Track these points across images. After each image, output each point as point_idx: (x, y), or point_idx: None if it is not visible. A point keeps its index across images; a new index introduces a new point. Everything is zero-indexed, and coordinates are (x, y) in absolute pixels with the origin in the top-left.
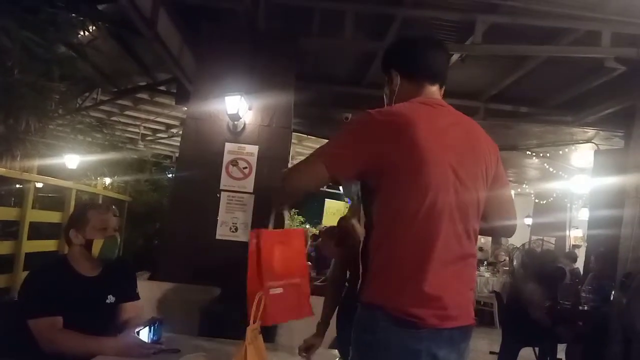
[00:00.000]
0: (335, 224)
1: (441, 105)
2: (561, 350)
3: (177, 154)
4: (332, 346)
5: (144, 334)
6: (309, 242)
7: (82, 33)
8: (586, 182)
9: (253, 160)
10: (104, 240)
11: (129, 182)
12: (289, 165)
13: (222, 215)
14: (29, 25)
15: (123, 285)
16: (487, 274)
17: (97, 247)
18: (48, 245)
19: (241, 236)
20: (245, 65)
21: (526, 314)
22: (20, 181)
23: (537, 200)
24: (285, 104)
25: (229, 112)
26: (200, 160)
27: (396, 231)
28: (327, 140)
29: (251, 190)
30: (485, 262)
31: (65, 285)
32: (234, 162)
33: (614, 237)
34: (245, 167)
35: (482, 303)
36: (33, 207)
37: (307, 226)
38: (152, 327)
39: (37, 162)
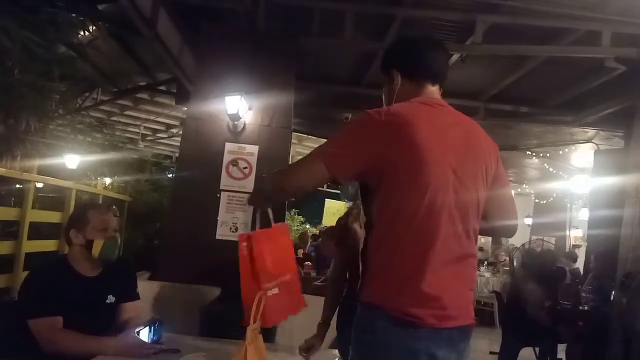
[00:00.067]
0: (335, 224)
1: (441, 105)
2: (561, 350)
3: (177, 154)
4: (332, 346)
5: (144, 334)
6: (309, 242)
7: (82, 33)
8: (586, 182)
9: (253, 160)
10: (104, 240)
11: (129, 182)
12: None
13: (222, 215)
14: (29, 25)
15: (123, 285)
16: (487, 274)
17: (97, 247)
18: (48, 245)
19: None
20: (245, 65)
21: (526, 314)
22: (20, 181)
23: (537, 200)
24: (285, 104)
25: (229, 112)
26: (201, 160)
27: (396, 231)
28: (326, 140)
29: (251, 190)
30: (485, 262)
31: (65, 285)
32: (234, 162)
33: (614, 237)
34: (246, 167)
35: (482, 303)
36: (33, 207)
37: (307, 226)
38: (152, 327)
39: (37, 162)
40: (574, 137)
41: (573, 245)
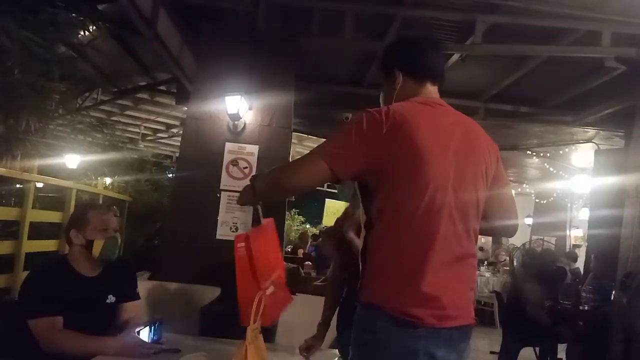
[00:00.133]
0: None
1: (440, 104)
2: (561, 350)
3: (177, 154)
4: (332, 346)
5: (145, 334)
6: (309, 242)
7: (82, 33)
8: (586, 182)
9: (253, 160)
10: (104, 240)
11: (129, 182)
12: None
13: (222, 215)
14: (29, 25)
15: (123, 285)
16: (487, 274)
17: (97, 247)
18: (48, 245)
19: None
20: (246, 65)
21: (527, 314)
22: (20, 181)
23: (537, 200)
24: (286, 103)
25: (229, 112)
26: (201, 160)
27: (395, 231)
28: (326, 139)
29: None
30: (485, 262)
31: (65, 286)
32: (234, 162)
33: (615, 236)
34: (246, 167)
35: (482, 303)
36: (33, 207)
37: (307, 226)
38: (152, 327)
39: (37, 162)
40: (574, 137)
41: (573, 245)
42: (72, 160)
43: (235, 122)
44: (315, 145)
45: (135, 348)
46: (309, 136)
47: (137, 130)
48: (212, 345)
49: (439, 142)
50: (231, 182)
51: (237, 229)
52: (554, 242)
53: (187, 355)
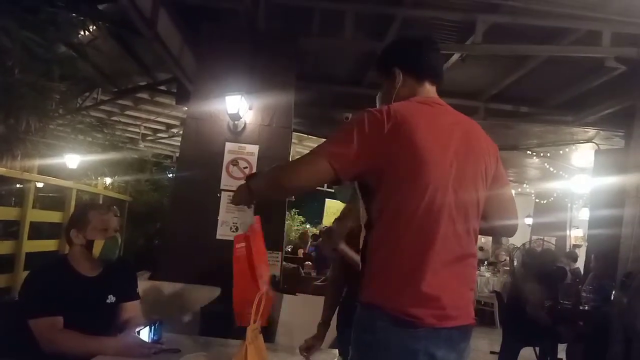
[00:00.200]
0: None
1: (440, 104)
2: (562, 350)
3: (177, 154)
4: (332, 346)
5: (145, 334)
6: (309, 242)
7: (82, 33)
8: (587, 182)
9: (253, 160)
10: (104, 240)
11: (129, 182)
12: None
13: (222, 215)
14: (29, 25)
15: (123, 285)
16: (487, 274)
17: (97, 247)
18: (48, 245)
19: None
20: (246, 65)
21: (527, 314)
22: (20, 181)
23: (537, 200)
24: (286, 103)
25: (229, 112)
26: (201, 160)
27: (396, 231)
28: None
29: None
30: (485, 262)
31: (65, 285)
32: (235, 162)
33: (615, 236)
34: (246, 167)
35: (482, 303)
36: (33, 207)
37: (308, 226)
38: (152, 327)
39: (37, 162)
40: (574, 136)
41: (573, 245)
42: (72, 160)
43: (236, 122)
44: (315, 145)
45: (135, 348)
46: (309, 136)
47: (137, 130)
48: (212, 345)
49: (439, 142)
50: (231, 182)
51: (237, 229)
52: (554, 242)
53: (187, 355)
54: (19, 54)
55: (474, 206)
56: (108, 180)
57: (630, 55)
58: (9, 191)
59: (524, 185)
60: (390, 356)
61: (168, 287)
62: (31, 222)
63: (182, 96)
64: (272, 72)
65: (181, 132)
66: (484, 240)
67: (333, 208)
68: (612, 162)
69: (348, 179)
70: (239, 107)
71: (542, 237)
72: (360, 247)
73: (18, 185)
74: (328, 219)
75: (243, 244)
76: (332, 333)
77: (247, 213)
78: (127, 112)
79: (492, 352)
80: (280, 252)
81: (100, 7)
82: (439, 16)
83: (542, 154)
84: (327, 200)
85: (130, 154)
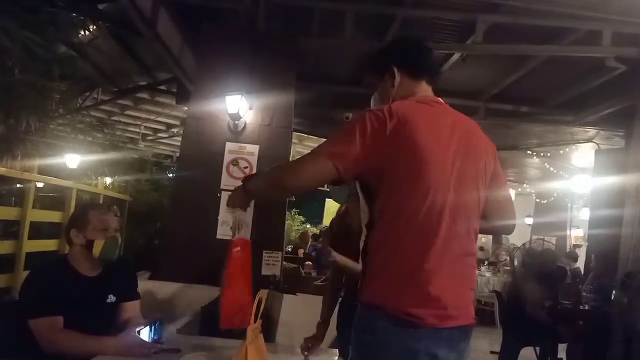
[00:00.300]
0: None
1: (438, 103)
2: (562, 349)
3: (177, 154)
4: (332, 346)
5: (145, 334)
6: (309, 242)
7: (82, 32)
8: (587, 182)
9: (254, 160)
10: (104, 240)
11: (129, 182)
12: None
13: (222, 215)
14: (29, 25)
15: (124, 285)
16: (487, 274)
17: (98, 247)
18: (48, 245)
19: (242, 236)
20: (246, 65)
21: (527, 314)
22: (20, 181)
23: (537, 200)
24: (286, 103)
25: (229, 112)
26: (201, 160)
27: (396, 231)
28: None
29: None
30: (486, 262)
31: (65, 285)
32: (235, 162)
33: (615, 236)
34: (246, 167)
35: (482, 302)
36: (34, 207)
37: (308, 226)
38: (152, 327)
39: (37, 162)
40: (574, 136)
41: (574, 244)
42: (72, 160)
43: (236, 122)
44: (316, 145)
45: (135, 348)
46: (310, 136)
47: (138, 130)
48: (212, 345)
49: (439, 142)
50: (231, 182)
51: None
52: (554, 242)
53: (187, 355)
54: (19, 54)
55: (475, 206)
56: (108, 180)
57: (631, 55)
58: (9, 191)
59: (524, 185)
60: (391, 356)
61: (168, 287)
62: (31, 222)
63: (183, 96)
64: (272, 72)
65: (181, 132)
66: (484, 240)
67: (333, 208)
68: (613, 162)
69: (350, 178)
70: (239, 107)
71: (542, 237)
72: (361, 247)
73: (18, 185)
74: (328, 219)
75: (238, 249)
76: (332, 333)
77: (247, 213)
78: (127, 112)
79: (492, 352)
80: (280, 252)
81: (100, 6)
82: (439, 16)
83: (542, 154)
84: (327, 200)
85: (130, 153)
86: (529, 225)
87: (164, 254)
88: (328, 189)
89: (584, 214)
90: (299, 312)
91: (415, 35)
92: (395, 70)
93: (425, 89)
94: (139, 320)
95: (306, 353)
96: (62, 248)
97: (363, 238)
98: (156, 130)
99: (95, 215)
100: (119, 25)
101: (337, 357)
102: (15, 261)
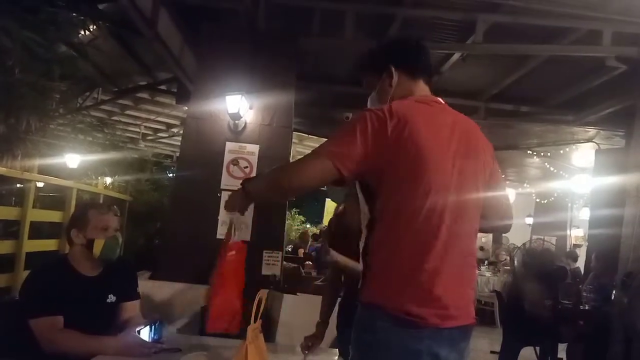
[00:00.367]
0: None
1: (437, 102)
2: (562, 349)
3: (177, 154)
4: (332, 346)
5: (145, 334)
6: (309, 242)
7: (82, 32)
8: (587, 182)
9: (254, 160)
10: (105, 240)
11: (129, 182)
12: None
13: (222, 215)
14: (30, 25)
15: (124, 284)
16: (488, 273)
17: (98, 247)
18: (49, 244)
19: (242, 236)
20: (246, 65)
21: (527, 313)
22: (21, 181)
23: (538, 200)
24: (286, 103)
25: (229, 112)
26: (201, 160)
27: (397, 231)
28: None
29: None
30: (486, 262)
31: (66, 285)
32: (235, 162)
33: (615, 236)
34: (246, 167)
35: (483, 302)
36: (34, 207)
37: (308, 226)
38: (153, 327)
39: (37, 162)
40: (574, 136)
41: (574, 244)
42: (72, 159)
43: (236, 122)
44: (316, 145)
45: (135, 347)
46: (310, 136)
47: (138, 129)
48: (212, 345)
49: (439, 142)
50: (232, 182)
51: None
52: (554, 242)
53: (187, 355)
54: (19, 54)
55: (475, 206)
56: (108, 180)
57: (631, 55)
58: (9, 191)
59: (525, 185)
60: (391, 356)
61: (168, 287)
62: (31, 222)
63: (183, 96)
64: (273, 72)
65: (181, 131)
66: (484, 240)
67: (333, 208)
68: (613, 162)
69: (351, 179)
70: (239, 106)
71: (542, 237)
72: (361, 247)
73: (18, 185)
74: (328, 219)
75: (233, 252)
76: (332, 333)
77: (247, 213)
78: (128, 112)
79: (492, 352)
80: (280, 252)
81: (100, 6)
82: (439, 16)
83: (542, 154)
84: (327, 200)
85: (130, 153)
86: (529, 225)
87: (164, 253)
88: (325, 188)
89: (584, 214)
90: (299, 312)
91: (412, 35)
92: (393, 69)
93: (423, 89)
94: (139, 320)
95: (306, 352)
96: (62, 248)
97: (363, 239)
98: (156, 130)
99: (95, 215)
100: (119, 25)
101: (337, 357)
102: (16, 261)
